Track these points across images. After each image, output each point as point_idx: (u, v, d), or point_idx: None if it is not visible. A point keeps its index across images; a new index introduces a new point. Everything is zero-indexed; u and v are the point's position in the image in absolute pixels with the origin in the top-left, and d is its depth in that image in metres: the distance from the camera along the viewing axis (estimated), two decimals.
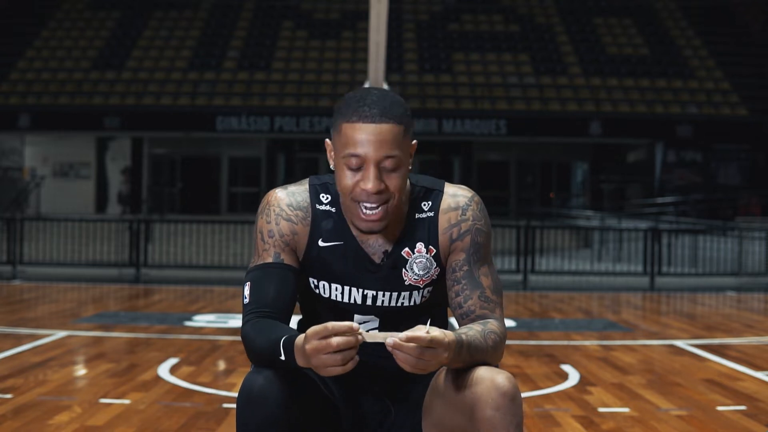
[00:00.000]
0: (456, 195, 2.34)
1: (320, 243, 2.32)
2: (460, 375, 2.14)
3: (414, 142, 2.28)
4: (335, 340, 1.96)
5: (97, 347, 6.81)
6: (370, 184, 2.18)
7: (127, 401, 4.73)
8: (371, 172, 2.18)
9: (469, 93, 24.73)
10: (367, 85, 11.53)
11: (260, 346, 2.14)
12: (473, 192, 2.37)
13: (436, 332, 2.00)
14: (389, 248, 2.31)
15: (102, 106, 24.12)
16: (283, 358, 2.08)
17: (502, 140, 25.15)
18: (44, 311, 9.30)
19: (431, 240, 2.32)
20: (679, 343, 7.30)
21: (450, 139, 25.12)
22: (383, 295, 2.32)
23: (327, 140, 2.31)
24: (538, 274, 14.52)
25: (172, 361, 6.04)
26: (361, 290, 2.32)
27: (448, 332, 2.06)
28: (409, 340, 1.97)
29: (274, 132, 24.09)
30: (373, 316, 2.35)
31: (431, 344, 1.98)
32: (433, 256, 2.32)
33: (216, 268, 14.91)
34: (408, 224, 2.32)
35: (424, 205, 2.34)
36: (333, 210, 2.33)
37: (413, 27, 27.57)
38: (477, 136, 24.30)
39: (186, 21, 27.71)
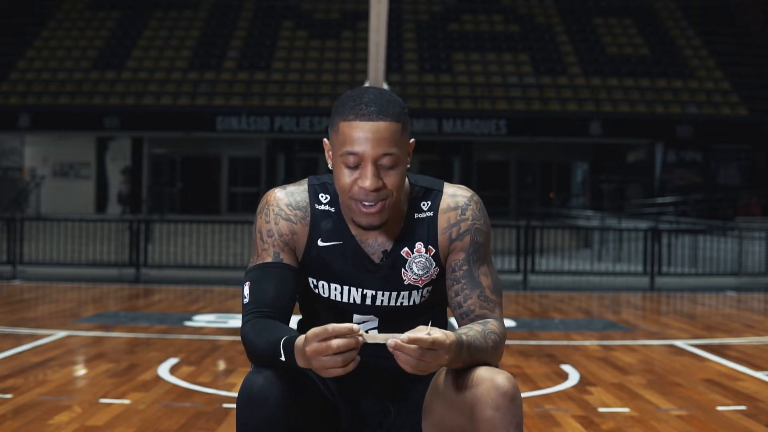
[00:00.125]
0: (455, 195, 2.34)
1: (319, 243, 2.31)
2: (460, 375, 2.14)
3: (412, 140, 2.27)
4: (335, 342, 1.95)
5: (97, 347, 6.80)
6: (368, 182, 2.17)
7: (127, 401, 4.72)
8: (369, 169, 2.18)
9: (469, 93, 24.73)
10: (366, 85, 11.52)
11: (260, 347, 2.14)
12: (472, 192, 2.36)
13: (437, 334, 1.99)
14: (388, 248, 2.31)
15: (102, 106, 24.11)
16: (283, 358, 2.07)
17: (502, 140, 25.14)
18: (44, 311, 9.30)
19: (430, 240, 2.32)
20: (679, 343, 7.30)
21: (450, 139, 25.12)
22: (382, 295, 2.32)
23: (325, 140, 2.31)
24: (538, 274, 14.52)
25: (172, 361, 6.04)
26: (360, 290, 2.32)
27: (449, 333, 2.05)
28: (411, 341, 1.97)
29: (274, 132, 24.08)
30: (372, 316, 2.35)
31: (433, 346, 1.98)
32: (432, 256, 2.31)
33: (216, 268, 14.91)
34: (407, 224, 2.32)
35: (424, 204, 2.33)
36: (332, 210, 2.32)
37: (413, 27, 27.56)
38: (477, 136, 24.29)
39: (186, 21, 27.70)
